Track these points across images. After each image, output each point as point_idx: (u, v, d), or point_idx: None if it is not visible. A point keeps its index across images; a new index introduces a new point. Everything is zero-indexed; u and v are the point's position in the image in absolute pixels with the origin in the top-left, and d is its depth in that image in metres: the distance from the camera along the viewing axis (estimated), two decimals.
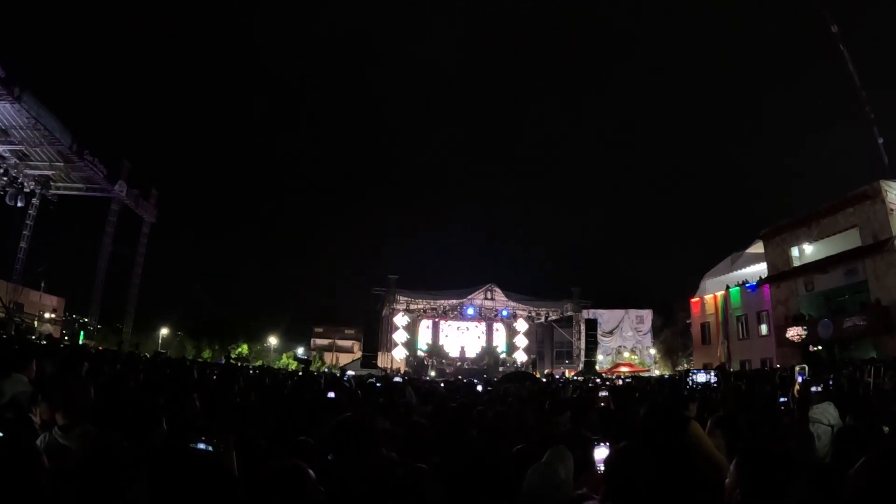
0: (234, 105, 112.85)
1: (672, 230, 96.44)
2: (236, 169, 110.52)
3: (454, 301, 43.87)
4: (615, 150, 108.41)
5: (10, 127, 25.50)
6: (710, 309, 35.12)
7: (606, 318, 44.07)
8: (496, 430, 4.75)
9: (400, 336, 42.57)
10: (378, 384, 12.87)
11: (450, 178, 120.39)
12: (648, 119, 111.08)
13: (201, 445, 2.36)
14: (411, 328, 43.84)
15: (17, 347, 10.53)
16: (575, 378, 27.48)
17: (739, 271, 34.13)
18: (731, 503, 2.32)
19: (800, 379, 3.87)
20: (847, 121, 58.51)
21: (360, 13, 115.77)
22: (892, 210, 23.30)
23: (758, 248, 32.03)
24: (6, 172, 27.33)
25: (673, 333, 43.27)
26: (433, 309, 44.24)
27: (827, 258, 25.96)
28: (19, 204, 28.59)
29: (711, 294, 35.40)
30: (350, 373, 18.61)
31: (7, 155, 27.15)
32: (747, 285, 32.27)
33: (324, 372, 26.38)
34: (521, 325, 46.05)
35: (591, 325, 40.09)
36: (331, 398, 7.46)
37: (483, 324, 46.00)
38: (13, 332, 20.71)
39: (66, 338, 27.68)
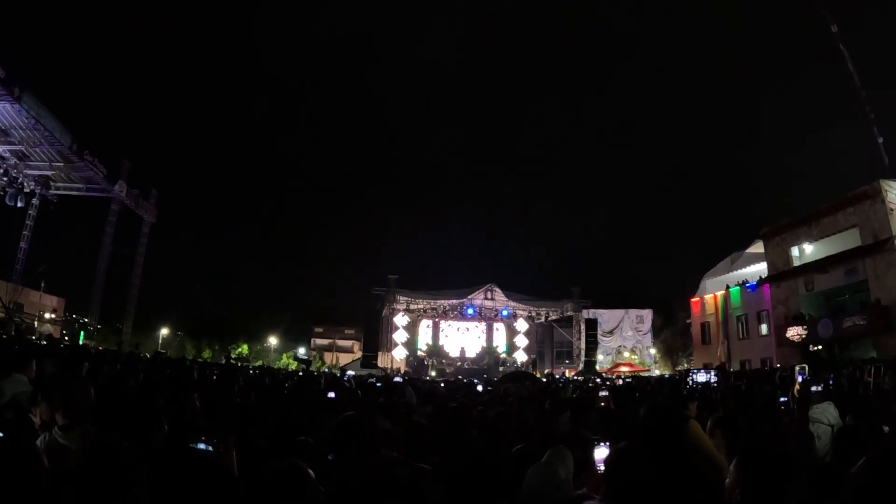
0: (234, 105, 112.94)
1: (672, 230, 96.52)
2: (236, 169, 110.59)
3: (454, 301, 43.86)
4: (615, 150, 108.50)
5: (10, 127, 25.50)
6: (710, 309, 35.13)
7: (606, 317, 44.08)
8: (496, 430, 4.75)
9: (400, 336, 42.56)
10: (378, 384, 12.87)
11: (450, 178, 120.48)
12: (648, 119, 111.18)
13: (201, 445, 2.36)
14: (411, 328, 43.84)
15: (17, 347, 10.54)
16: (575, 378, 27.49)
17: (739, 271, 34.12)
18: (731, 503, 2.32)
19: (800, 379, 3.87)
20: (847, 121, 58.53)
21: (360, 13, 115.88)
22: (892, 210, 23.29)
23: (758, 247, 32.03)
24: (6, 172, 27.34)
25: (673, 333, 43.28)
26: (433, 309, 44.23)
27: (827, 258, 25.96)
28: (19, 204, 28.58)
29: (711, 294, 35.41)
30: (350, 373, 18.62)
31: (7, 155, 27.15)
32: (747, 285, 32.27)
33: (324, 372, 26.38)
34: (522, 325, 46.06)
35: (591, 324, 40.09)
36: (331, 398, 7.47)
37: (483, 324, 46.00)
38: (13, 333, 20.72)
39: (66, 338, 27.69)
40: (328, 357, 48.44)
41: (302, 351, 46.19)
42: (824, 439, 4.13)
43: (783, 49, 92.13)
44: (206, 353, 38.50)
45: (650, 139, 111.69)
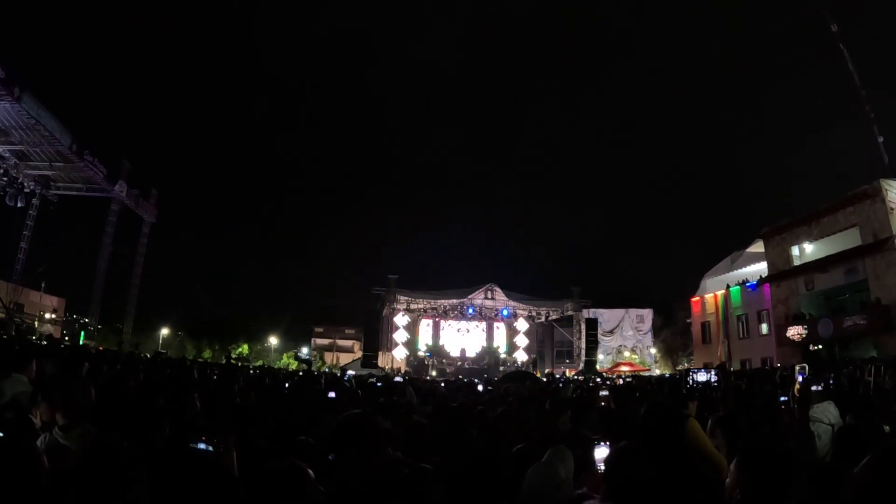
0: (234, 105, 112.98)
1: (672, 230, 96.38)
2: (236, 169, 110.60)
3: (454, 301, 43.87)
4: (615, 150, 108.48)
5: (10, 127, 25.50)
6: (710, 308, 35.12)
7: (607, 317, 44.08)
8: (496, 430, 4.75)
9: (400, 336, 42.58)
10: (378, 384, 12.88)
11: (450, 178, 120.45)
12: (648, 119, 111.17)
13: (201, 445, 2.36)
14: (412, 328, 43.84)
15: (18, 348, 10.54)
16: (575, 377, 27.48)
17: (740, 270, 34.11)
18: (731, 503, 2.32)
19: (800, 378, 3.86)
20: (847, 121, 58.50)
21: (360, 13, 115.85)
22: (892, 209, 23.29)
23: (758, 247, 32.02)
24: (6, 173, 27.35)
25: (673, 333, 43.27)
26: (433, 309, 44.24)
27: (827, 257, 25.95)
28: (19, 204, 28.60)
29: (712, 293, 35.40)
30: (350, 372, 18.62)
31: (7, 155, 27.17)
32: (747, 284, 32.26)
33: (324, 372, 26.38)
34: (522, 325, 46.07)
35: (592, 324, 40.09)
36: (331, 398, 7.46)
37: (483, 323, 46.01)
38: (13, 333, 20.73)
39: (66, 338, 27.70)
40: (328, 357, 48.45)
41: (305, 351, 46.17)
42: (825, 439, 4.13)
43: (783, 49, 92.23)
44: (207, 353, 38.51)
45: (650, 139, 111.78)
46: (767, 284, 30.05)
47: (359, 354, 42.78)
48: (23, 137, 26.13)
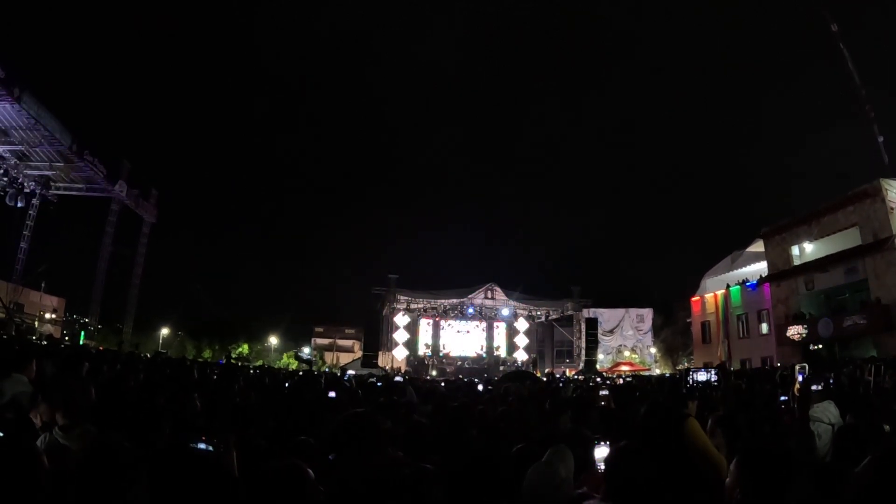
0: (234, 105, 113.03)
1: (672, 230, 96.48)
2: (236, 169, 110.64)
3: (455, 300, 43.88)
4: (615, 150, 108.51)
5: (10, 127, 25.50)
6: (710, 308, 35.12)
7: (607, 317, 44.08)
8: (496, 430, 4.75)
9: (400, 335, 42.58)
10: (378, 384, 12.88)
11: (450, 178, 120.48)
12: (648, 119, 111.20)
13: (201, 445, 2.36)
14: (412, 328, 43.85)
15: (18, 348, 10.53)
16: (575, 377, 27.47)
17: (740, 270, 34.10)
18: (731, 502, 2.32)
19: (800, 377, 3.87)
20: (847, 120, 58.55)
21: (360, 13, 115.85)
22: (892, 209, 23.28)
23: (758, 246, 32.01)
24: (6, 173, 27.34)
25: (673, 332, 43.26)
26: (434, 308, 44.24)
27: (827, 257, 25.95)
28: (19, 204, 28.59)
29: (712, 293, 35.39)
30: (350, 372, 18.61)
31: (7, 155, 27.16)
32: (748, 284, 32.26)
33: (324, 372, 26.38)
34: (522, 325, 46.07)
35: (592, 324, 40.08)
36: (331, 398, 7.47)
37: (483, 323, 46.00)
38: (13, 333, 20.73)
39: (66, 338, 27.70)
40: (329, 357, 48.46)
41: (307, 351, 46.14)
42: (825, 438, 4.13)
43: (783, 49, 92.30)
44: (207, 353, 38.53)
45: (650, 139, 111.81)
46: (767, 284, 30.05)
47: (359, 354, 42.78)
48: (23, 137, 26.13)
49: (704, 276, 37.27)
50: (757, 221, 33.17)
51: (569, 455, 2.93)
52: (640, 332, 44.49)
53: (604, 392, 7.66)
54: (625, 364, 41.05)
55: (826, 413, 4.31)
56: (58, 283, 33.28)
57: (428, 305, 43.87)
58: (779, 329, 28.10)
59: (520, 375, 21.88)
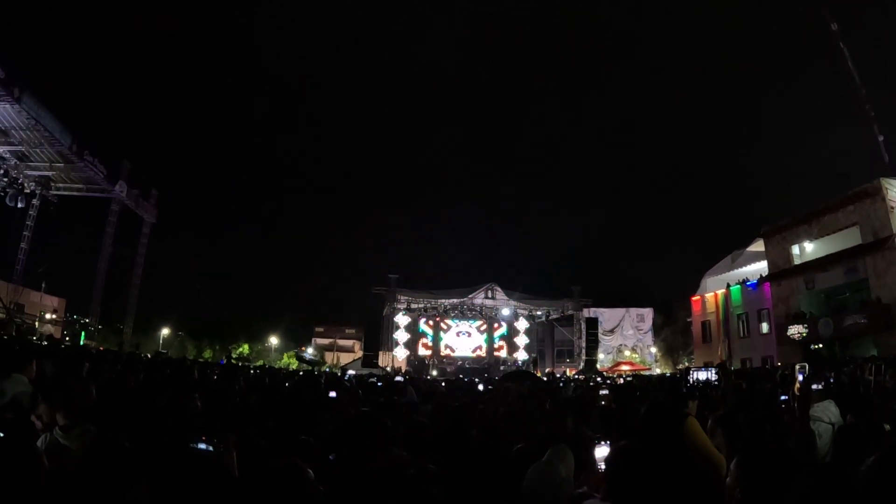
0: (234, 105, 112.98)
1: (672, 229, 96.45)
2: (236, 169, 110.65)
3: (455, 300, 43.91)
4: (615, 150, 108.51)
5: (10, 128, 25.50)
6: (710, 307, 35.09)
7: (607, 316, 44.08)
8: (496, 430, 4.75)
9: (401, 335, 42.60)
10: (379, 384, 12.89)
11: (450, 178, 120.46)
12: (648, 119, 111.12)
13: (201, 445, 2.36)
14: (412, 327, 43.87)
15: (18, 348, 10.54)
16: (576, 377, 27.50)
17: (740, 269, 34.08)
18: (731, 502, 2.31)
19: (800, 377, 3.86)
20: (847, 120, 58.56)
21: (360, 13, 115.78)
22: (892, 208, 23.25)
23: (758, 246, 31.99)
24: (6, 173, 27.35)
25: (674, 332, 43.23)
26: (434, 308, 44.26)
27: (827, 256, 25.93)
28: (20, 205, 28.60)
29: (712, 292, 35.37)
30: (350, 372, 18.64)
31: (7, 156, 27.16)
32: (748, 283, 32.24)
33: (325, 372, 26.40)
34: (522, 324, 46.08)
35: (592, 323, 40.08)
36: (332, 397, 7.47)
37: (484, 323, 46.02)
38: (14, 333, 20.73)
39: (66, 338, 27.70)
40: (329, 357, 48.48)
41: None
42: (825, 438, 4.12)
43: (783, 49, 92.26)
44: (207, 354, 38.53)
45: (650, 139, 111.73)
46: (768, 283, 30.02)
47: (359, 354, 42.81)
48: (23, 138, 26.13)
49: (705, 276, 37.25)
50: (757, 221, 33.22)
51: (569, 455, 2.93)
52: (641, 332, 44.49)
53: (604, 392, 7.67)
54: (625, 364, 41.05)
55: (826, 412, 4.31)
56: (58, 284, 33.32)
57: (428, 305, 43.89)
58: (779, 328, 28.08)
59: (520, 375, 21.87)
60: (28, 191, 29.07)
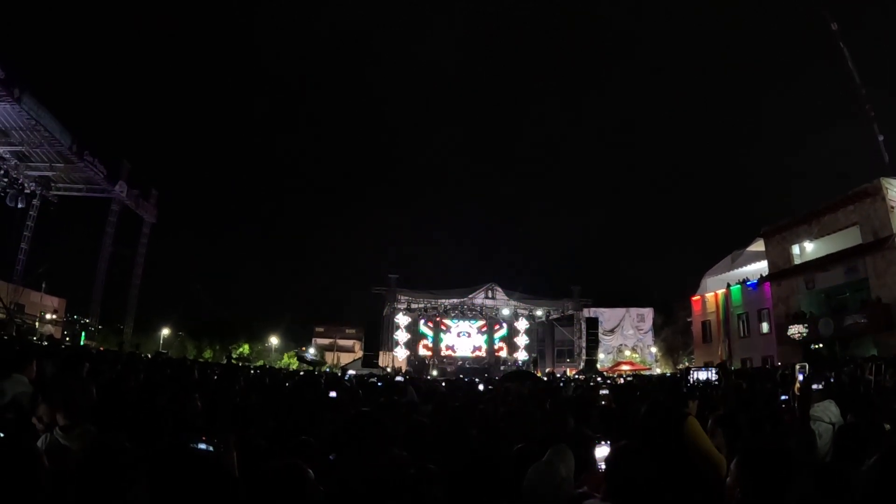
0: (234, 105, 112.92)
1: (672, 229, 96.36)
2: (236, 169, 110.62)
3: (455, 300, 43.92)
4: (615, 150, 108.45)
5: (10, 128, 25.50)
6: (710, 307, 35.09)
7: (607, 316, 44.08)
8: (497, 430, 4.75)
9: (401, 335, 42.61)
10: (379, 384, 12.89)
11: (450, 178, 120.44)
12: (648, 119, 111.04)
13: (202, 445, 2.36)
14: (412, 327, 43.89)
15: (18, 348, 10.54)
16: (576, 377, 27.49)
17: (740, 269, 34.08)
18: (731, 502, 2.31)
19: (801, 377, 3.86)
20: (847, 120, 58.54)
21: (360, 13, 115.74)
22: (892, 208, 23.25)
23: (758, 246, 32.00)
24: (6, 174, 27.35)
25: (674, 332, 43.23)
26: (434, 308, 44.28)
27: (828, 256, 25.93)
28: (20, 205, 28.60)
29: (712, 292, 35.37)
30: (351, 372, 18.64)
31: (7, 156, 27.16)
32: (748, 283, 32.24)
33: (325, 372, 26.40)
34: (522, 324, 46.08)
35: (592, 323, 40.08)
36: (332, 397, 7.48)
37: (484, 323, 46.03)
38: (14, 333, 20.74)
39: (67, 339, 27.69)
40: (329, 357, 48.48)
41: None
42: (825, 437, 4.12)
43: (783, 49, 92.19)
44: (208, 354, 38.54)
45: (650, 139, 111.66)
46: (768, 283, 30.02)
47: (360, 354, 42.81)
48: (23, 138, 26.13)
49: (705, 276, 37.25)
50: (757, 221, 33.21)
51: (569, 455, 2.93)
52: (641, 332, 44.50)
53: (604, 391, 7.67)
54: (625, 363, 41.05)
55: (827, 412, 4.31)
56: (58, 284, 33.32)
57: (428, 305, 43.90)
58: (779, 328, 28.08)
59: (520, 375, 21.86)
60: (28, 191, 29.08)
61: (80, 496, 2.00)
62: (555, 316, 44.88)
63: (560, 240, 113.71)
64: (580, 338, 41.43)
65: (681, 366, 37.11)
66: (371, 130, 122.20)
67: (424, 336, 44.76)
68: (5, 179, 27.41)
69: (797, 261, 28.15)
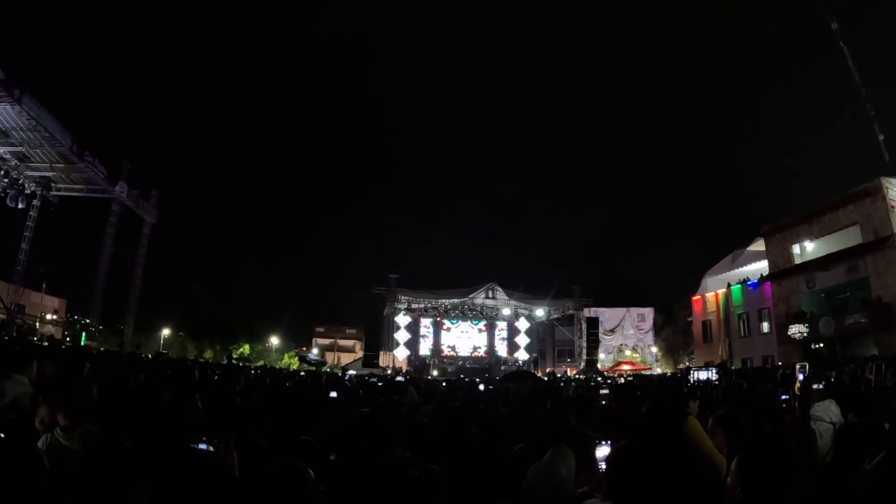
0: (234, 105, 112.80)
1: (672, 229, 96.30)
2: (236, 169, 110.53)
3: (456, 300, 43.91)
4: (615, 150, 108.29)
5: (10, 129, 25.50)
6: (711, 307, 35.10)
7: (608, 316, 44.07)
8: (497, 430, 4.75)
9: (402, 335, 42.61)
10: (380, 384, 12.89)
11: (450, 178, 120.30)
12: (648, 119, 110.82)
13: (202, 446, 2.36)
14: (413, 327, 43.88)
15: (19, 348, 10.54)
16: (577, 376, 27.50)
17: (740, 269, 34.09)
18: (731, 502, 2.31)
19: (801, 376, 3.86)
20: (847, 121, 58.56)
21: (360, 13, 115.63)
22: (892, 207, 23.26)
23: (759, 245, 32.01)
24: (7, 174, 27.36)
25: (674, 331, 43.23)
26: (435, 308, 44.27)
27: (828, 255, 25.93)
28: (20, 205, 28.60)
29: (713, 292, 35.39)
30: (351, 372, 18.65)
31: (8, 156, 27.17)
32: (748, 283, 32.24)
33: (325, 372, 26.41)
34: (523, 324, 46.07)
35: (593, 323, 40.06)
36: (333, 397, 7.48)
37: (484, 323, 46.03)
38: (14, 334, 20.74)
39: (67, 339, 27.71)
40: (330, 357, 48.48)
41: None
42: (826, 437, 4.12)
43: (783, 49, 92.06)
44: (208, 354, 38.54)
45: (650, 139, 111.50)
46: (768, 283, 30.03)
47: (360, 354, 42.83)
48: (23, 139, 26.13)
49: (705, 275, 37.27)
50: (757, 221, 33.14)
51: (570, 454, 2.93)
52: (642, 332, 44.49)
53: (605, 391, 7.67)
54: (626, 363, 41.05)
55: (827, 412, 4.31)
56: (59, 284, 33.32)
57: (429, 305, 43.89)
58: (780, 328, 28.08)
59: (521, 375, 21.86)
60: (28, 191, 29.09)
61: (81, 496, 2.00)
62: (555, 316, 44.88)
63: (560, 240, 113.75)
64: (581, 338, 41.41)
65: (681, 365, 37.12)
66: (371, 130, 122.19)
67: (425, 336, 44.77)
68: (5, 180, 27.42)
69: (797, 260, 28.15)
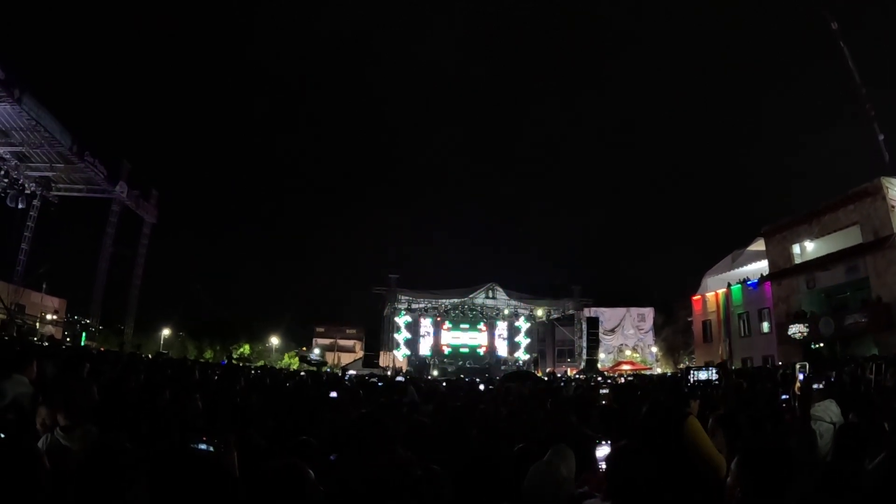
0: (234, 105, 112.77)
1: (672, 229, 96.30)
2: (236, 169, 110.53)
3: (456, 300, 43.91)
4: (615, 150, 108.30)
5: (10, 129, 25.51)
6: (711, 307, 35.10)
7: (608, 316, 44.07)
8: (497, 430, 4.75)
9: (402, 335, 42.60)
10: (380, 384, 12.90)
11: (450, 178, 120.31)
12: (648, 119, 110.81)
13: (202, 446, 2.36)
14: (413, 327, 43.89)
15: (19, 349, 10.54)
16: (577, 376, 27.51)
17: (741, 269, 34.08)
18: (731, 502, 2.31)
19: (801, 376, 3.86)
20: (847, 121, 58.54)
21: (360, 13, 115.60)
22: (892, 207, 23.24)
23: (759, 245, 32.00)
24: (7, 174, 27.36)
25: (674, 331, 43.22)
26: (435, 308, 44.29)
27: (828, 255, 25.92)
28: (20, 205, 28.60)
29: (713, 292, 35.38)
30: (351, 372, 18.65)
31: (8, 157, 27.18)
32: (749, 283, 32.24)
33: (325, 372, 26.41)
34: (523, 324, 46.07)
35: (593, 323, 40.07)
36: (333, 397, 7.48)
37: (484, 323, 46.04)
38: (15, 334, 20.74)
39: (67, 339, 27.71)
40: (330, 357, 48.47)
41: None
42: (826, 437, 4.12)
43: (783, 49, 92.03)
44: (208, 354, 38.52)
45: (650, 139, 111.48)
46: (768, 283, 30.02)
47: (360, 354, 42.84)
48: (23, 139, 26.13)
49: (705, 275, 37.26)
50: (757, 221, 33.13)
51: (570, 454, 2.93)
52: (642, 331, 44.49)
53: (605, 391, 7.67)
54: (626, 363, 41.05)
55: (827, 412, 4.31)
56: (59, 284, 33.33)
57: (429, 305, 43.91)
58: (780, 328, 28.08)
59: (521, 375, 21.88)
60: (28, 191, 29.09)
61: (81, 496, 2.00)
62: (555, 316, 44.89)
63: (560, 240, 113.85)
64: (581, 337, 41.42)
65: (681, 365, 37.11)
66: (371, 130, 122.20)
67: (425, 336, 44.77)
68: (6, 180, 27.43)
69: (798, 260, 28.15)
